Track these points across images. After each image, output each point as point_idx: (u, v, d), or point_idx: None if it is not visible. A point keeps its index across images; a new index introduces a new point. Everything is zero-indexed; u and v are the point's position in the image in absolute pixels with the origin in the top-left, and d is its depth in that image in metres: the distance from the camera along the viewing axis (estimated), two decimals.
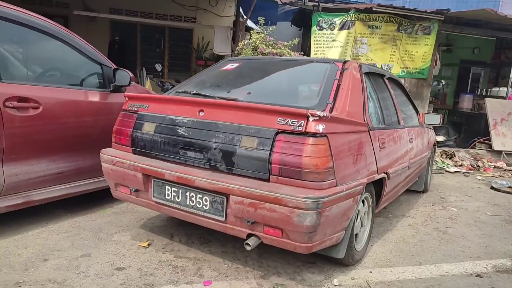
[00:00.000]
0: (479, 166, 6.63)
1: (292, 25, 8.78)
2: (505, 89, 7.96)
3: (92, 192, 3.31)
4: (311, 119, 2.05)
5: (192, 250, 2.74)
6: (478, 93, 8.83)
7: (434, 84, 11.16)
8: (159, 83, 7.07)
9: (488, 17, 6.21)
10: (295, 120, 2.08)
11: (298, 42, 6.90)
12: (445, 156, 6.84)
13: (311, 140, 2.04)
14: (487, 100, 7.55)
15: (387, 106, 3.28)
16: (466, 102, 8.23)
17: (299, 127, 2.07)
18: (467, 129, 8.26)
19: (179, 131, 2.40)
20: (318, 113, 2.05)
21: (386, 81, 3.49)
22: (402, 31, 6.59)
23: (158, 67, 7.40)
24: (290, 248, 2.12)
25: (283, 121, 2.11)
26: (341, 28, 6.25)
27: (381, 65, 6.69)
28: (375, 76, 3.26)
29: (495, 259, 2.98)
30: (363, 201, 2.76)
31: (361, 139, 2.50)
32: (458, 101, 8.94)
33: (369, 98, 2.89)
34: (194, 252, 2.71)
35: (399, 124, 3.43)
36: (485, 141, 7.46)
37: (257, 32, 5.65)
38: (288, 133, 2.09)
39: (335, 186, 2.13)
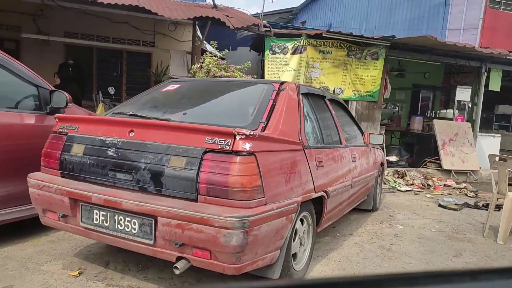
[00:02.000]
0: (429, 185, 6.88)
1: (251, 50, 8.97)
2: (452, 111, 8.41)
3: (28, 219, 3.12)
4: (238, 137, 2.06)
5: (126, 278, 2.61)
6: (428, 115, 9.27)
7: (391, 107, 11.68)
8: (111, 106, 6.93)
9: (429, 43, 6.62)
10: (222, 139, 2.08)
11: (255, 66, 7.05)
12: (397, 175, 7.06)
13: (237, 158, 2.04)
14: (435, 121, 7.94)
15: (327, 126, 3.35)
16: (417, 124, 8.61)
17: (226, 146, 2.06)
18: (419, 149, 8.59)
19: (108, 152, 2.33)
20: (245, 131, 2.06)
21: (327, 102, 3.58)
22: (352, 56, 6.88)
23: (111, 90, 7.28)
24: (219, 269, 2.07)
25: (210, 140, 2.10)
26: (293, 53, 6.44)
27: (334, 89, 6.92)
28: (314, 97, 3.34)
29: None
30: (302, 220, 2.76)
31: (295, 158, 2.52)
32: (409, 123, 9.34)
33: (307, 118, 2.95)
34: (129, 280, 2.58)
35: (340, 143, 3.51)
36: (435, 161, 7.79)
37: (210, 56, 5.71)
38: (215, 152, 2.08)
39: (265, 204, 2.12)
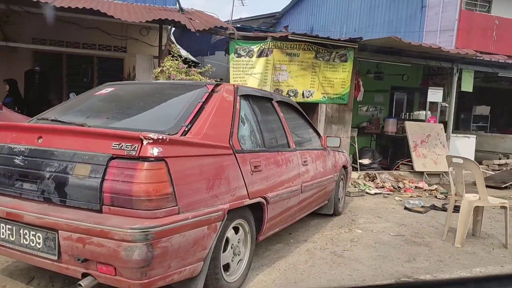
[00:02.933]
0: (399, 187, 6.80)
1: (226, 54, 8.86)
2: (424, 112, 8.37)
3: None
4: (145, 142, 1.91)
5: None
6: (402, 117, 9.23)
7: (371, 109, 11.63)
8: None
9: (395, 44, 6.56)
10: (129, 144, 1.93)
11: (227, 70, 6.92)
12: (368, 178, 6.97)
13: (144, 165, 1.90)
14: (407, 123, 7.89)
15: (271, 129, 3.23)
16: (391, 126, 8.55)
17: (133, 151, 1.92)
18: (393, 151, 8.54)
19: (15, 160, 2.17)
20: (152, 135, 1.92)
21: (275, 105, 3.47)
22: (320, 59, 6.80)
23: (72, 96, 7.07)
24: (125, 286, 1.91)
25: (117, 146, 1.95)
26: (259, 56, 6.33)
27: (302, 91, 6.82)
28: (258, 99, 3.22)
29: (380, 281, 2.91)
30: (236, 228, 2.62)
31: (222, 163, 2.39)
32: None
33: (244, 120, 2.82)
34: None
35: (288, 147, 3.39)
36: (407, 163, 7.72)
37: (171, 60, 5.57)
38: (121, 158, 1.94)
39: (177, 213, 1.98)
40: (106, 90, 3.01)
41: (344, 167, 5.02)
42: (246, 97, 3.00)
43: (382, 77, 11.68)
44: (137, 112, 2.62)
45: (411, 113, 8.86)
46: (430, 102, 8.22)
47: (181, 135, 2.22)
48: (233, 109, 2.71)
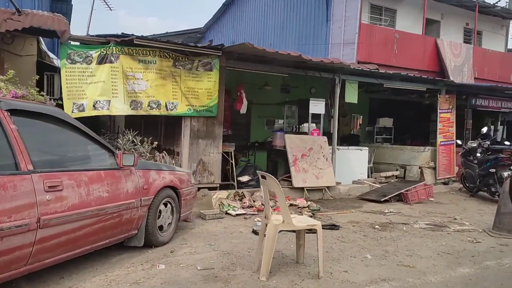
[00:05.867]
0: (271, 206, 6.23)
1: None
2: (307, 125, 8.02)
3: None
4: None
5: None
6: (293, 130, 8.85)
7: (280, 123, 11.23)
8: None
9: (248, 50, 6.09)
10: None
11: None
12: (238, 197, 6.36)
13: None
14: (286, 136, 7.45)
15: None
16: (279, 140, 8.08)
17: None
18: (280, 166, 8.07)
19: None
20: None
21: (3, 114, 2.69)
22: (180, 67, 6.17)
23: None
24: None
25: None
26: (100, 62, 5.56)
27: (165, 103, 6.13)
28: None
29: None
30: None
31: None
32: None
33: None
34: None
35: (17, 169, 2.61)
36: (287, 178, 7.24)
37: None
38: None
39: None
40: None
41: (174, 188, 4.34)
42: None
43: (289, 90, 11.43)
44: None
45: (299, 126, 8.48)
46: (313, 114, 7.87)
47: None
48: None
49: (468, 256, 4.12)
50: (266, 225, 3.48)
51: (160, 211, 4.12)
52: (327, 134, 8.35)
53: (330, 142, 7.88)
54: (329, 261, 3.83)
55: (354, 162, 8.69)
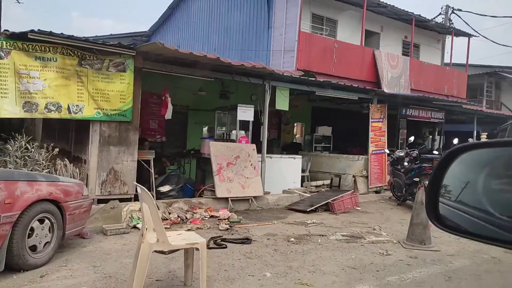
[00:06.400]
0: (187, 218, 5.82)
1: None
2: (235, 132, 7.72)
3: None
4: None
5: None
6: (224, 137, 8.51)
7: (223, 129, 10.82)
8: None
9: (159, 50, 5.70)
10: None
11: None
12: None
13: None
14: (211, 143, 7.09)
15: None
16: (206, 147, 7.71)
17: None
18: (209, 175, 7.67)
19: None
20: None
21: None
22: (87, 66, 5.63)
23: None
24: None
25: None
26: None
27: (68, 105, 5.54)
28: None
29: None
30: None
31: None
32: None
33: None
34: None
35: None
36: (211, 188, 6.86)
37: None
38: None
39: None
40: None
41: (56, 201, 3.80)
42: None
43: (229, 96, 11.10)
44: None
45: (229, 133, 8.15)
46: (241, 121, 7.57)
47: None
48: None
49: (373, 270, 3.93)
50: (142, 242, 3.05)
51: (32, 229, 3.56)
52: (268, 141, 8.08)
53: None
54: (223, 281, 3.47)
55: (287, 171, 8.49)
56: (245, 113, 7.45)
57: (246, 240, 4.85)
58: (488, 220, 0.81)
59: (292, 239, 5.05)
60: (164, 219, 5.70)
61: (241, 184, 6.98)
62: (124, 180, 6.03)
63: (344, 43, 12.28)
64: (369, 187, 9.24)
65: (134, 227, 5.31)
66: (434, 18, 16.53)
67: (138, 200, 6.14)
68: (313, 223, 6.06)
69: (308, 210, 6.84)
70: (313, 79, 8.10)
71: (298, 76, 7.65)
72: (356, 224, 6.16)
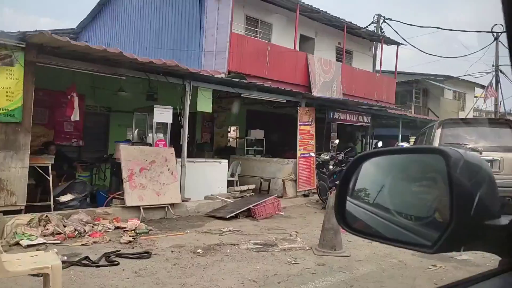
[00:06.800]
0: (85, 231, 5.19)
1: None
2: (151, 135, 7.18)
3: None
4: None
5: None
6: (141, 141, 7.92)
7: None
8: None
9: (48, 41, 5.09)
10: None
11: None
12: (44, 222, 5.17)
13: None
14: (122, 147, 6.51)
15: None
16: (118, 151, 7.08)
17: None
18: (121, 181, 7.05)
19: None
20: None
21: None
22: None
23: None
24: None
25: None
26: None
27: None
28: None
29: None
30: None
31: None
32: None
33: None
34: None
35: None
36: (120, 196, 6.27)
37: None
38: None
39: None
40: None
41: None
42: None
43: (157, 98, 10.47)
44: None
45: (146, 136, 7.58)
46: (157, 123, 7.06)
47: None
48: None
49: (274, 283, 3.64)
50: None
51: None
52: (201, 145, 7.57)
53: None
54: None
55: (213, 176, 8.10)
56: (163, 114, 6.95)
57: (145, 254, 4.36)
58: (392, 220, 0.84)
59: (200, 250, 4.64)
60: (57, 233, 5.04)
61: (156, 191, 6.46)
62: (11, 189, 5.26)
63: (277, 46, 12.19)
64: (298, 190, 9.12)
65: (17, 243, 4.60)
66: (367, 26, 17.16)
67: (30, 212, 5.43)
68: (230, 231, 5.71)
69: (228, 216, 6.49)
70: (237, 80, 7.80)
71: (220, 77, 7.30)
72: (274, 230, 5.90)
